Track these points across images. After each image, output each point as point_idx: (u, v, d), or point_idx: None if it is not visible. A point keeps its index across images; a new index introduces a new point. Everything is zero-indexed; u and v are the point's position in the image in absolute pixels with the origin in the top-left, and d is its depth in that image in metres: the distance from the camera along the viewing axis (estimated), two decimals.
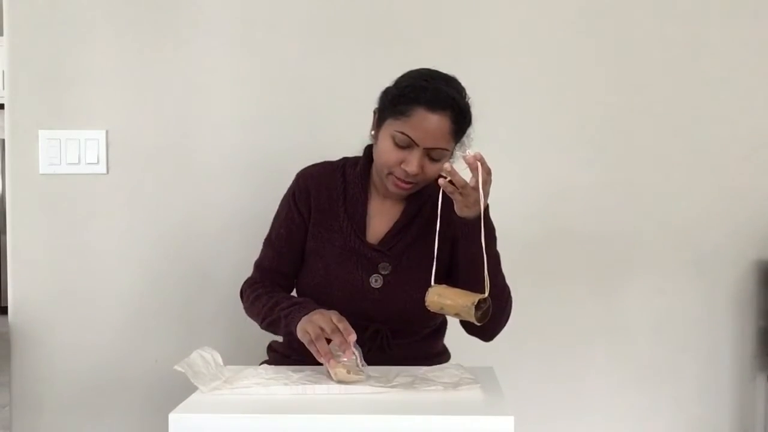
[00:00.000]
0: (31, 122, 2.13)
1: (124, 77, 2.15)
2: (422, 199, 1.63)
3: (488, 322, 1.39)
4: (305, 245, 1.66)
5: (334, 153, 1.73)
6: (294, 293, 1.71)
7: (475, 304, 1.33)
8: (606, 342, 2.24)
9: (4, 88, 2.19)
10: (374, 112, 1.60)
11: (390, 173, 1.55)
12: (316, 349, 1.39)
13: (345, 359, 1.37)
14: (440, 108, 1.48)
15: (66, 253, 2.15)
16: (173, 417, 1.20)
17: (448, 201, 1.44)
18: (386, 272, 1.60)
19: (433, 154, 1.52)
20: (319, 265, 1.63)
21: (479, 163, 1.36)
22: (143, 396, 2.15)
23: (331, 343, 1.39)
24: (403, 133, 1.50)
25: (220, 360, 1.44)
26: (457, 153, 1.56)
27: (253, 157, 2.16)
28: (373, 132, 1.60)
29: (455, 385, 1.35)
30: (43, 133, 2.13)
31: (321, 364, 1.40)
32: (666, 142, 2.22)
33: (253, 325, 1.64)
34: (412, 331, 1.64)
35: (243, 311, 1.69)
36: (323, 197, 1.65)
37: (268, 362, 1.71)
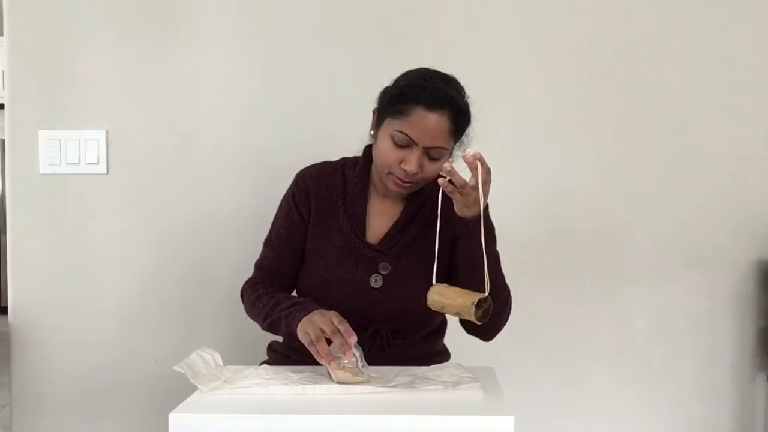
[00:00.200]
0: (31, 122, 2.14)
1: (124, 77, 2.15)
2: (422, 199, 1.63)
3: (488, 322, 1.39)
4: (305, 245, 1.66)
5: (334, 153, 1.73)
6: (294, 293, 1.71)
7: (476, 303, 1.33)
8: (606, 342, 2.24)
9: (4, 88, 2.19)
10: (373, 112, 1.60)
11: (389, 173, 1.55)
12: (317, 350, 1.39)
13: (345, 361, 1.37)
14: (439, 107, 1.48)
15: (66, 253, 2.15)
16: (173, 417, 1.20)
17: (447, 201, 1.44)
18: (386, 272, 1.60)
19: (433, 154, 1.52)
20: (319, 265, 1.63)
21: (479, 163, 1.36)
22: (143, 396, 2.15)
23: (331, 345, 1.39)
24: (402, 132, 1.50)
25: (219, 360, 1.44)
26: (457, 152, 1.56)
27: (253, 157, 2.16)
28: (372, 132, 1.60)
29: (455, 385, 1.35)
30: (43, 133, 2.13)
31: (321, 365, 1.40)
32: (666, 142, 2.22)
33: (253, 325, 1.64)
34: (412, 331, 1.64)
35: (243, 311, 1.69)
36: (323, 197, 1.65)
37: (268, 362, 1.71)
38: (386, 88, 1.57)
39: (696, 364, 2.25)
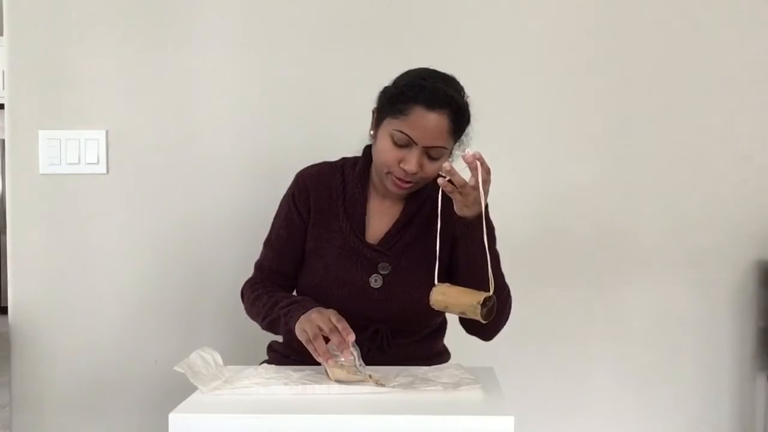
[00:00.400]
0: (31, 122, 2.14)
1: (124, 77, 2.15)
2: (422, 199, 1.63)
3: (489, 322, 1.39)
4: (305, 245, 1.66)
5: (334, 153, 1.73)
6: (295, 293, 1.71)
7: (481, 302, 1.33)
8: (606, 342, 2.24)
9: (4, 88, 2.19)
10: (373, 112, 1.60)
11: (389, 172, 1.55)
12: (314, 348, 1.39)
13: (343, 359, 1.37)
14: (438, 106, 1.48)
15: (66, 253, 2.15)
16: (173, 417, 1.20)
17: (447, 200, 1.44)
18: (386, 272, 1.60)
19: (432, 153, 1.52)
20: (319, 266, 1.63)
21: (478, 163, 1.36)
22: (143, 396, 2.15)
23: (329, 343, 1.39)
24: (401, 131, 1.50)
25: (220, 360, 1.44)
26: (457, 152, 1.56)
27: (253, 157, 2.16)
28: (372, 132, 1.60)
29: (455, 385, 1.35)
30: (43, 133, 2.13)
31: (321, 364, 1.40)
32: (666, 141, 2.22)
33: (253, 325, 1.64)
34: (412, 331, 1.64)
35: (243, 311, 1.69)
36: (322, 197, 1.65)
37: (268, 362, 1.71)
38: (386, 88, 1.57)
39: (696, 364, 2.25)
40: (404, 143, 1.51)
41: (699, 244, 2.23)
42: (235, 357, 1.62)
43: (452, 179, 1.38)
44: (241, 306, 1.70)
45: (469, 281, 1.42)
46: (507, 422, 1.17)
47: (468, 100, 1.56)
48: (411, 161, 1.51)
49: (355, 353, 1.38)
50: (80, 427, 2.17)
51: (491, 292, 1.35)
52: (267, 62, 2.17)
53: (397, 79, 1.57)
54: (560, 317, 2.22)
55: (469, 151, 1.39)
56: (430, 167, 1.53)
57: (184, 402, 1.27)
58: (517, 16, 2.20)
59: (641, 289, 2.23)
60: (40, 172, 2.14)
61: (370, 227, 1.64)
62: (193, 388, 1.34)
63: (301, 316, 1.45)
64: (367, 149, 1.65)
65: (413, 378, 1.39)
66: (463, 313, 1.37)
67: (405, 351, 1.62)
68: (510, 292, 1.59)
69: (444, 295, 1.38)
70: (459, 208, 1.45)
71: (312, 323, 1.41)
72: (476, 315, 1.33)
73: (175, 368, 1.35)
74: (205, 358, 1.42)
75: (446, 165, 1.38)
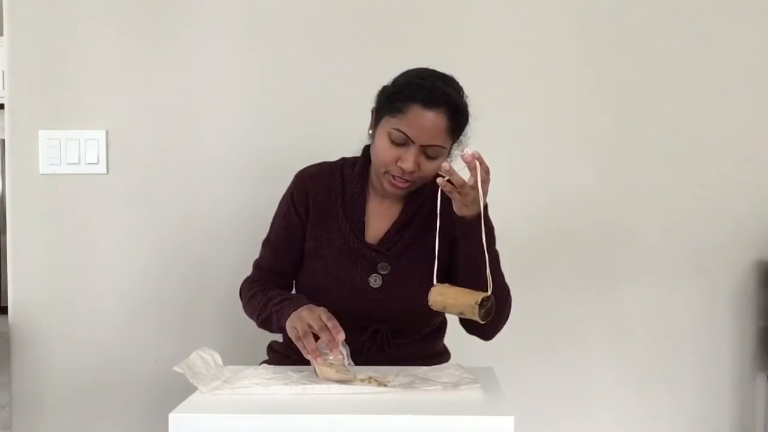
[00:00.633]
0: (31, 122, 2.13)
1: (124, 77, 2.15)
2: (421, 199, 1.63)
3: (488, 321, 1.39)
4: (304, 245, 1.66)
5: (335, 153, 1.73)
6: (293, 293, 1.71)
7: (479, 302, 1.33)
8: (606, 342, 2.24)
9: (4, 88, 2.19)
10: (372, 111, 1.60)
11: (386, 172, 1.55)
12: (303, 346, 1.39)
13: (332, 358, 1.37)
14: (436, 105, 1.48)
15: (66, 253, 2.15)
16: (173, 417, 1.20)
17: (447, 200, 1.44)
18: (385, 272, 1.60)
19: (430, 152, 1.52)
20: (318, 266, 1.63)
21: (477, 162, 1.36)
22: (143, 396, 2.15)
23: (319, 341, 1.39)
24: (399, 130, 1.50)
25: (219, 360, 1.44)
26: (455, 152, 1.56)
27: (253, 157, 2.16)
28: (370, 131, 1.60)
29: (455, 385, 1.35)
30: (43, 133, 2.13)
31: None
32: (666, 141, 2.22)
33: (253, 325, 1.64)
34: (411, 331, 1.64)
35: (243, 311, 1.69)
36: (321, 197, 1.66)
37: (268, 362, 1.71)
38: (384, 87, 1.57)
39: (696, 364, 2.25)
40: (402, 142, 1.51)
41: (699, 244, 2.23)
42: (235, 357, 1.61)
43: (451, 179, 1.38)
44: (242, 306, 1.70)
45: (468, 281, 1.42)
46: (507, 422, 1.17)
47: (467, 99, 1.56)
48: (408, 160, 1.51)
49: (344, 352, 1.38)
50: (80, 427, 2.17)
51: (489, 293, 1.35)
52: (267, 62, 2.17)
53: (396, 79, 1.57)
54: (560, 317, 2.22)
55: (468, 150, 1.39)
56: (428, 166, 1.53)
57: (184, 402, 1.27)
58: (517, 16, 2.20)
59: (641, 289, 2.23)
60: (40, 172, 2.14)
61: (370, 227, 1.64)
62: (193, 388, 1.33)
63: (292, 313, 1.45)
64: (366, 149, 1.65)
65: (413, 378, 1.39)
66: (461, 314, 1.37)
67: (405, 351, 1.62)
68: (510, 291, 1.59)
69: (442, 295, 1.38)
70: (458, 208, 1.45)
71: (302, 321, 1.41)
72: (474, 315, 1.33)
73: (175, 368, 1.35)
74: (204, 359, 1.42)
75: (445, 165, 1.38)
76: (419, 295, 1.41)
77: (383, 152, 1.53)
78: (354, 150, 1.69)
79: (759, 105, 2.23)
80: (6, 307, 2.23)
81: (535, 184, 2.21)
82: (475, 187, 1.38)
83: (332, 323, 1.39)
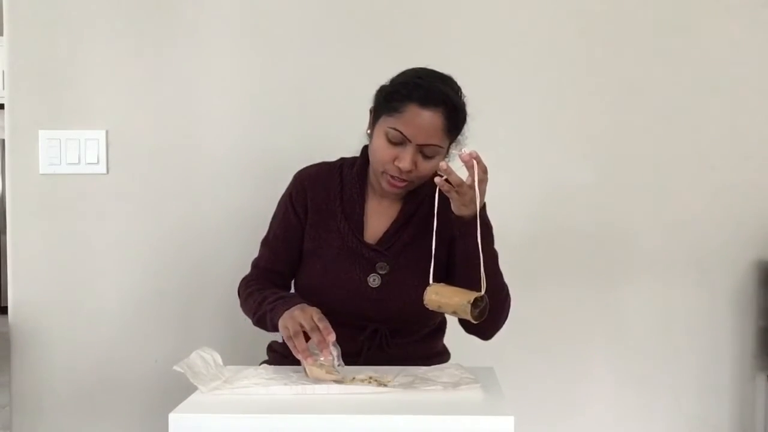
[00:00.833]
0: (31, 122, 2.14)
1: (124, 77, 2.15)
2: (420, 199, 1.63)
3: (487, 321, 1.39)
4: (302, 245, 1.66)
5: (334, 153, 1.73)
6: (292, 292, 1.71)
7: (472, 302, 1.33)
8: (606, 342, 2.24)
9: (4, 88, 2.19)
10: (370, 111, 1.60)
11: (384, 171, 1.55)
12: (294, 345, 1.39)
13: (323, 359, 1.37)
14: (432, 104, 1.49)
15: (66, 253, 2.15)
16: (173, 417, 1.20)
17: (445, 200, 1.44)
18: (384, 272, 1.60)
19: (427, 151, 1.52)
20: (317, 266, 1.63)
21: (475, 162, 1.36)
22: (143, 396, 2.15)
23: (309, 341, 1.39)
24: (395, 129, 1.50)
25: (219, 360, 1.44)
26: (453, 152, 1.56)
27: (253, 157, 2.16)
28: (369, 131, 1.60)
29: (455, 385, 1.35)
30: (43, 133, 2.13)
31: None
32: (666, 141, 2.22)
33: (253, 325, 1.64)
34: (411, 331, 1.64)
35: (241, 310, 1.69)
36: (320, 198, 1.66)
37: (268, 362, 1.71)
38: (382, 86, 1.58)
39: (696, 364, 2.25)
40: (398, 141, 1.51)
41: (699, 244, 2.23)
42: (235, 357, 1.61)
43: (449, 178, 1.38)
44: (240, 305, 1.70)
45: (466, 281, 1.42)
46: (507, 422, 1.17)
47: (465, 99, 1.55)
48: (405, 159, 1.51)
49: (334, 353, 1.38)
50: (80, 427, 2.17)
51: (483, 293, 1.35)
52: (267, 62, 2.17)
53: (394, 78, 1.57)
54: (560, 317, 2.22)
55: (466, 150, 1.39)
56: (425, 166, 1.53)
57: (184, 402, 1.27)
58: (517, 15, 2.20)
59: (641, 289, 2.23)
60: (40, 172, 2.14)
61: (368, 227, 1.64)
62: (193, 388, 1.33)
63: (285, 313, 1.45)
64: (365, 149, 1.65)
65: (413, 378, 1.39)
66: (454, 313, 1.37)
67: (404, 351, 1.62)
68: (509, 291, 1.59)
69: (437, 295, 1.38)
70: (456, 208, 1.45)
71: (294, 320, 1.41)
72: (467, 315, 1.33)
73: (175, 368, 1.35)
74: (204, 358, 1.42)
75: (443, 164, 1.37)
76: (418, 294, 1.41)
77: (380, 151, 1.53)
78: (354, 150, 1.69)
79: (759, 105, 2.23)
80: (6, 307, 2.23)
81: (535, 184, 2.21)
82: (472, 187, 1.38)
83: (323, 324, 1.39)
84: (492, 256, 1.52)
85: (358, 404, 1.27)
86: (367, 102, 1.60)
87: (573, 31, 2.21)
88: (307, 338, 1.39)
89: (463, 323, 1.59)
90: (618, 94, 2.21)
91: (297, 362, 1.56)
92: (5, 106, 2.15)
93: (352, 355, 1.57)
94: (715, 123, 2.23)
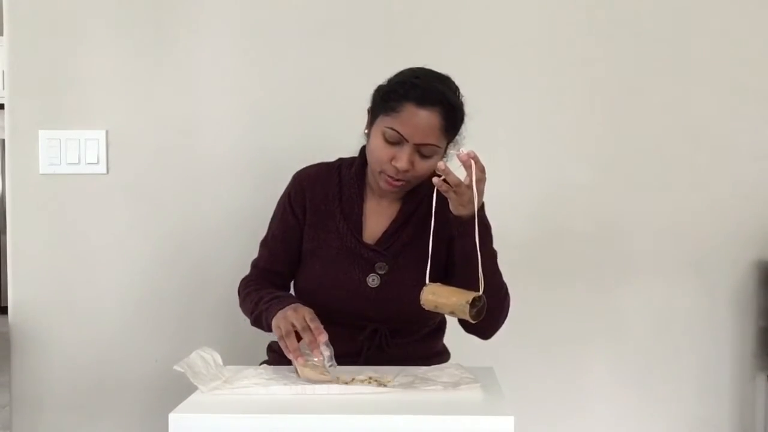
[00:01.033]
0: (31, 122, 2.13)
1: (124, 77, 2.15)
2: (418, 199, 1.63)
3: (486, 320, 1.39)
4: (300, 246, 1.67)
5: (334, 153, 1.73)
6: (291, 293, 1.71)
7: (470, 302, 1.33)
8: (606, 342, 2.24)
9: (4, 88, 2.19)
10: (368, 111, 1.60)
11: (381, 171, 1.55)
12: (285, 345, 1.39)
13: (316, 359, 1.37)
14: (429, 104, 1.48)
15: (66, 252, 2.15)
16: (173, 417, 1.20)
17: (443, 200, 1.44)
18: (383, 272, 1.60)
19: (424, 151, 1.51)
20: (316, 266, 1.63)
21: (473, 161, 1.36)
22: (143, 396, 2.15)
23: (301, 342, 1.39)
24: (392, 128, 1.50)
25: (219, 360, 1.44)
26: (451, 151, 1.56)
27: (253, 157, 2.16)
28: (366, 131, 1.60)
29: (455, 385, 1.35)
30: (43, 133, 2.13)
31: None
32: (666, 141, 2.22)
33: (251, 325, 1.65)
34: (410, 331, 1.64)
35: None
36: (319, 198, 1.66)
37: (268, 362, 1.71)
38: (379, 86, 1.58)
39: (696, 364, 2.25)
40: (395, 140, 1.51)
41: (699, 244, 2.23)
42: (235, 357, 1.61)
43: (447, 178, 1.38)
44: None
45: (465, 280, 1.42)
46: (507, 422, 1.17)
47: (463, 99, 1.55)
48: (402, 159, 1.51)
49: (326, 353, 1.38)
50: (80, 427, 2.17)
51: (481, 292, 1.35)
52: (267, 62, 2.17)
53: (391, 78, 1.57)
54: (560, 317, 2.22)
55: (464, 150, 1.39)
56: (422, 165, 1.53)
57: (184, 402, 1.27)
58: (516, 15, 2.20)
59: (641, 289, 2.23)
60: (40, 172, 2.14)
61: (367, 227, 1.64)
62: (193, 388, 1.33)
63: (278, 312, 1.45)
64: (363, 150, 1.65)
65: (413, 378, 1.39)
66: (452, 313, 1.37)
67: (404, 351, 1.62)
68: (508, 290, 1.59)
69: (434, 295, 1.38)
70: (454, 207, 1.45)
71: (286, 320, 1.41)
72: (465, 315, 1.33)
73: (175, 367, 1.35)
74: (205, 358, 1.42)
75: (440, 164, 1.37)
76: (417, 294, 1.41)
77: (378, 151, 1.53)
78: (354, 150, 1.69)
79: (759, 105, 2.23)
80: (6, 307, 2.23)
81: (535, 184, 2.21)
82: (470, 187, 1.38)
83: (315, 324, 1.39)
84: (491, 256, 1.52)
85: (358, 404, 1.27)
86: (367, 102, 1.60)
87: (573, 30, 2.20)
88: (300, 338, 1.40)
89: (463, 323, 1.59)
90: (617, 94, 2.21)
91: None
92: (5, 106, 2.15)
93: (352, 355, 1.58)
94: (715, 123, 2.22)
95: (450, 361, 1.71)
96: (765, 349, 2.25)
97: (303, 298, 1.63)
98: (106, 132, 2.15)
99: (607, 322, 2.23)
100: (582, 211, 2.22)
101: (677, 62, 2.21)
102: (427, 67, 1.57)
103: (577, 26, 2.20)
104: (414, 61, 1.59)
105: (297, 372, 1.39)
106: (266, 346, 1.77)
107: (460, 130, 1.57)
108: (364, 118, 1.61)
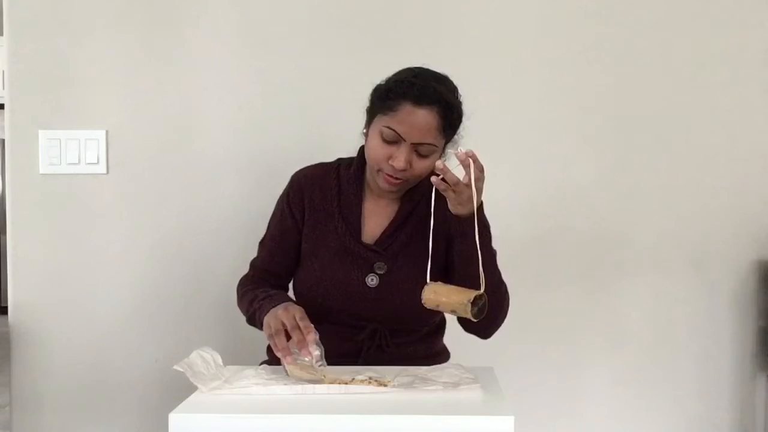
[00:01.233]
0: (31, 122, 2.14)
1: (124, 77, 2.15)
2: (417, 198, 1.63)
3: (486, 319, 1.39)
4: (299, 246, 1.67)
5: (333, 154, 1.73)
6: (291, 293, 1.71)
7: (471, 300, 1.33)
8: (605, 342, 2.24)
9: (4, 88, 2.19)
10: (366, 111, 1.60)
11: (379, 170, 1.55)
12: (274, 343, 1.39)
13: (307, 358, 1.37)
14: (427, 103, 1.48)
15: (66, 253, 2.15)
16: (173, 417, 1.20)
17: (442, 199, 1.44)
18: (382, 272, 1.60)
19: (421, 150, 1.52)
20: (315, 266, 1.63)
21: (471, 160, 1.36)
22: (143, 396, 2.15)
23: (290, 341, 1.39)
24: (390, 128, 1.50)
25: (219, 360, 1.44)
26: (450, 151, 1.56)
27: (252, 157, 2.16)
28: (364, 130, 1.60)
29: (455, 385, 1.35)
30: (43, 133, 2.13)
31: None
32: (665, 142, 2.22)
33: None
34: (410, 331, 1.64)
35: None
36: (317, 198, 1.66)
37: (268, 362, 1.71)
38: (377, 86, 1.58)
39: (696, 364, 2.25)
40: (393, 140, 1.51)
41: (699, 244, 2.23)
42: (235, 357, 1.62)
43: (445, 177, 1.38)
44: None
45: (463, 280, 1.43)
46: (507, 422, 1.17)
47: (461, 98, 1.55)
48: (399, 158, 1.51)
49: (316, 353, 1.37)
50: (80, 427, 2.17)
51: (482, 291, 1.35)
52: (266, 62, 2.17)
53: (389, 77, 1.57)
54: (560, 317, 2.22)
55: (462, 149, 1.39)
56: (420, 165, 1.53)
57: (184, 402, 1.27)
58: (516, 15, 2.20)
59: (641, 289, 2.23)
60: (40, 172, 2.14)
61: (366, 227, 1.64)
62: (193, 388, 1.34)
63: (270, 311, 1.46)
64: (362, 150, 1.65)
65: (413, 378, 1.39)
66: (453, 312, 1.37)
67: (404, 350, 1.62)
68: (507, 289, 1.59)
69: (435, 294, 1.38)
70: (453, 206, 1.44)
71: (276, 319, 1.42)
72: (466, 313, 1.33)
73: (175, 367, 1.35)
74: (205, 358, 1.42)
75: (439, 163, 1.37)
76: (416, 294, 1.41)
77: (375, 150, 1.54)
78: (352, 151, 1.69)
79: (759, 104, 2.23)
80: (6, 307, 2.23)
81: (535, 183, 2.21)
82: (469, 185, 1.38)
83: (304, 323, 1.40)
84: (490, 255, 1.52)
85: (358, 404, 1.27)
86: (366, 102, 1.60)
87: (573, 30, 2.20)
88: (290, 337, 1.40)
89: (462, 322, 1.59)
90: (618, 94, 2.21)
91: None
92: (5, 106, 2.15)
93: (352, 355, 1.58)
94: (714, 123, 2.22)
95: (450, 361, 1.71)
96: (765, 349, 2.25)
97: (302, 298, 1.63)
98: (106, 132, 2.15)
99: (607, 322, 2.23)
100: (582, 211, 2.22)
101: (678, 63, 2.21)
102: (426, 66, 1.57)
103: (577, 26, 2.20)
104: (412, 61, 1.59)
105: (285, 371, 1.39)
106: (266, 346, 1.77)
107: (459, 130, 1.57)
108: (363, 118, 1.61)
